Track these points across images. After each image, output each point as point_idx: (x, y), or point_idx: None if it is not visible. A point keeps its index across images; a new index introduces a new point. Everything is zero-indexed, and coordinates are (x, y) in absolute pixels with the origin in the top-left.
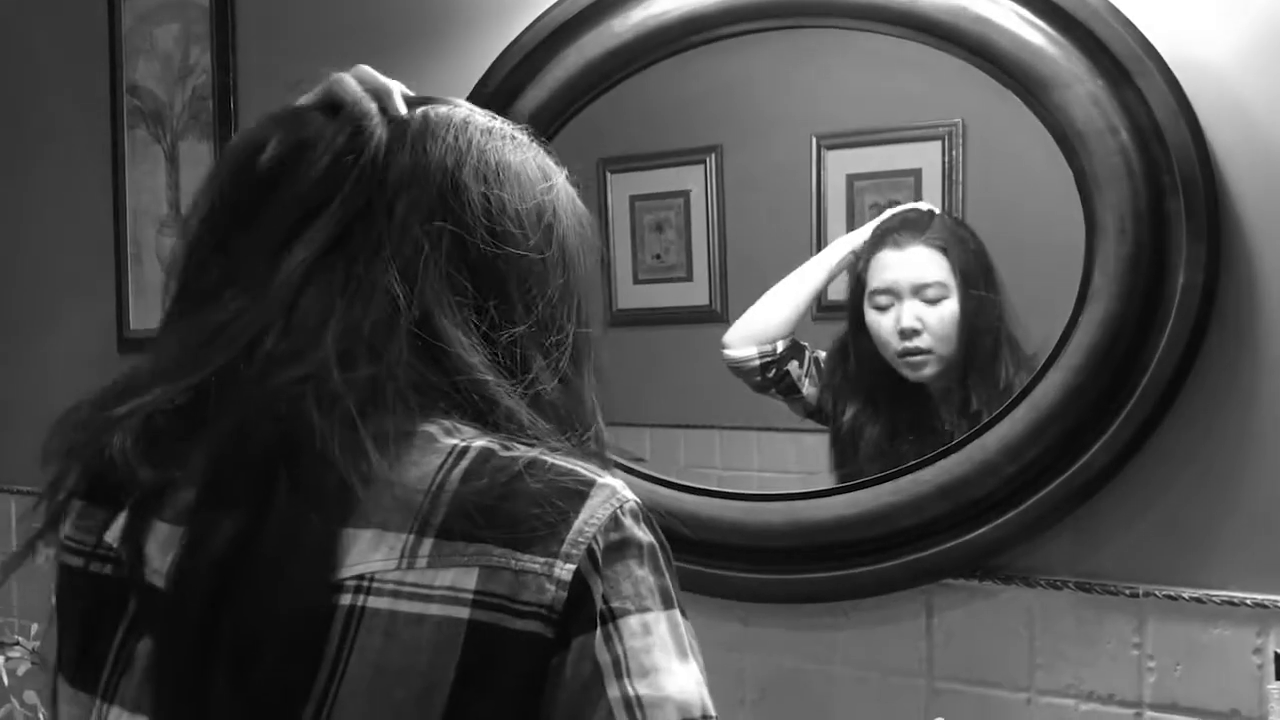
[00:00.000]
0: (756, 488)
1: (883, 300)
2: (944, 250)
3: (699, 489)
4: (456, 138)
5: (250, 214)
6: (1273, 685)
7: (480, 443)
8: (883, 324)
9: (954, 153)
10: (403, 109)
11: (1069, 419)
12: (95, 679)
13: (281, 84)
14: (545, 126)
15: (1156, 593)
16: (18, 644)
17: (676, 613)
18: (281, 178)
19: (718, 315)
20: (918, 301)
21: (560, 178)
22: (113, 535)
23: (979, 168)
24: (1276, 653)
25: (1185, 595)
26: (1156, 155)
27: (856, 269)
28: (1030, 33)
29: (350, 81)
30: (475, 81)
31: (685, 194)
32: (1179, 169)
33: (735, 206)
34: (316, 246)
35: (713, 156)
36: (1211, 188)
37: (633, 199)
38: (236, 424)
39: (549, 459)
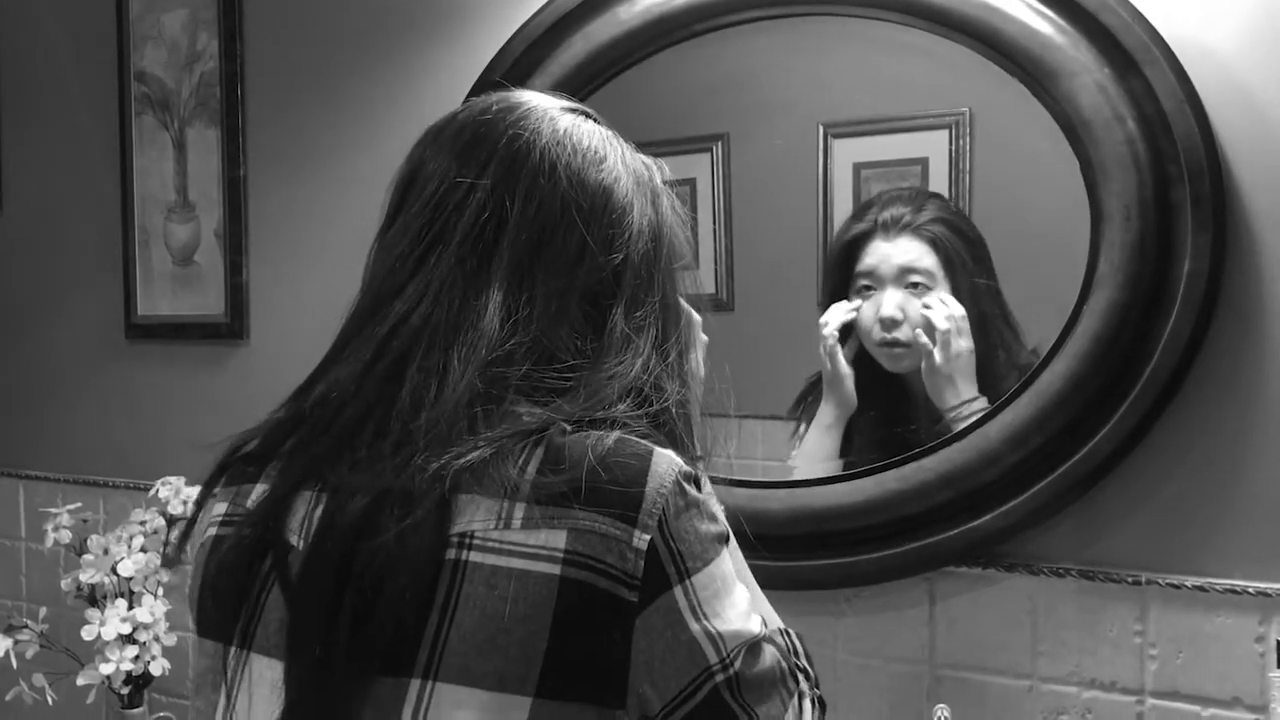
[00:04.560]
0: (761, 475)
1: (865, 283)
2: (933, 243)
3: None
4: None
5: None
6: (1274, 673)
7: (557, 421)
8: (864, 311)
9: (961, 141)
10: None
11: (1072, 407)
12: (230, 629)
13: (289, 71)
14: None
15: (1159, 581)
16: (26, 627)
17: (726, 548)
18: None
19: (724, 304)
20: (900, 290)
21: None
22: (255, 504)
23: (986, 156)
24: (1278, 641)
25: (1188, 583)
26: (1163, 144)
27: (841, 253)
28: (1038, 21)
29: None
30: (482, 68)
31: (692, 182)
32: (1185, 158)
33: (742, 195)
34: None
35: (719, 145)
36: (1217, 177)
37: None
38: (372, 408)
39: (613, 433)
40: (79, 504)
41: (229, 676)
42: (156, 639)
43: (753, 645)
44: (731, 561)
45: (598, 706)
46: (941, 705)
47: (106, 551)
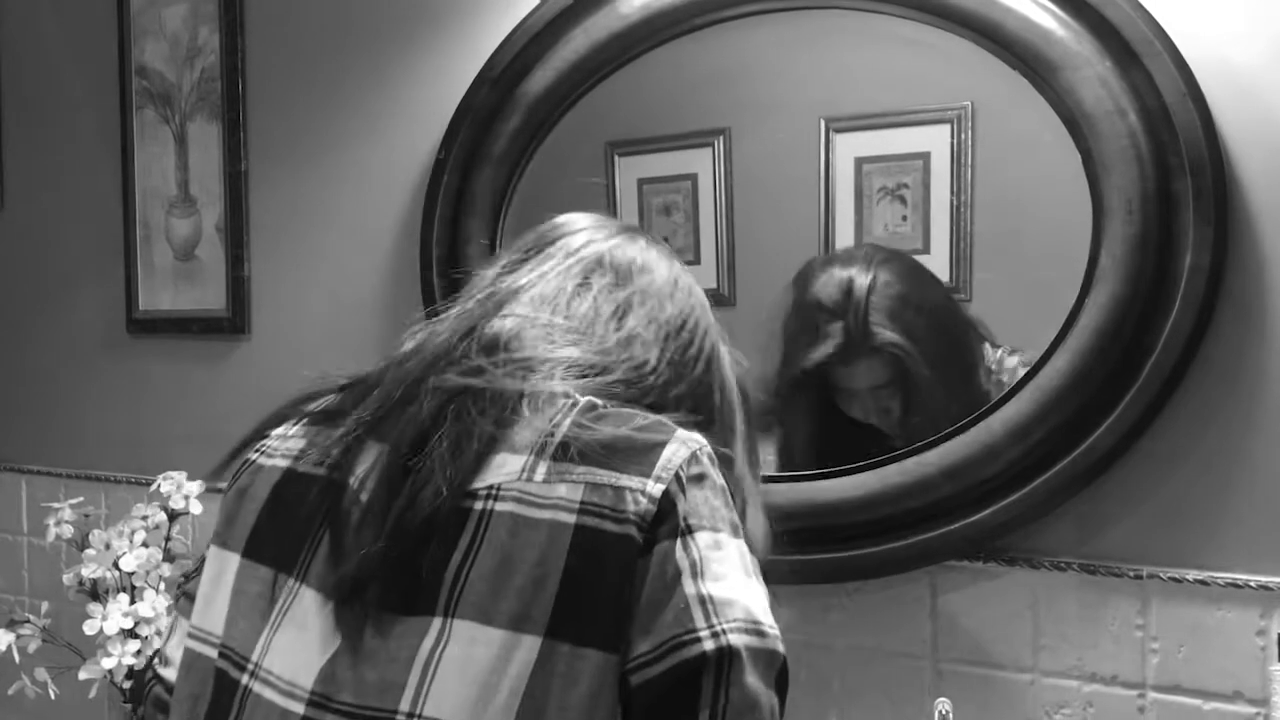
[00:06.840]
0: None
1: (844, 395)
2: (890, 357)
3: None
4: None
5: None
6: (1276, 667)
7: (588, 398)
8: (851, 406)
9: (963, 135)
10: None
11: (1074, 402)
12: (293, 560)
13: (290, 65)
14: (552, 109)
15: (1160, 575)
16: (28, 622)
17: (744, 544)
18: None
19: (726, 299)
20: (876, 394)
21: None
22: (335, 449)
23: (987, 150)
24: None
25: (1189, 577)
26: (1164, 137)
27: (810, 379)
28: (1039, 14)
29: None
30: (483, 62)
31: (693, 177)
32: (1187, 151)
33: (743, 190)
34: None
35: (721, 139)
36: (1219, 170)
37: (640, 182)
38: (430, 378)
39: (640, 412)
40: (81, 499)
41: (279, 605)
42: (158, 633)
43: (769, 656)
44: (752, 562)
45: (603, 652)
46: (943, 699)
47: (108, 546)
